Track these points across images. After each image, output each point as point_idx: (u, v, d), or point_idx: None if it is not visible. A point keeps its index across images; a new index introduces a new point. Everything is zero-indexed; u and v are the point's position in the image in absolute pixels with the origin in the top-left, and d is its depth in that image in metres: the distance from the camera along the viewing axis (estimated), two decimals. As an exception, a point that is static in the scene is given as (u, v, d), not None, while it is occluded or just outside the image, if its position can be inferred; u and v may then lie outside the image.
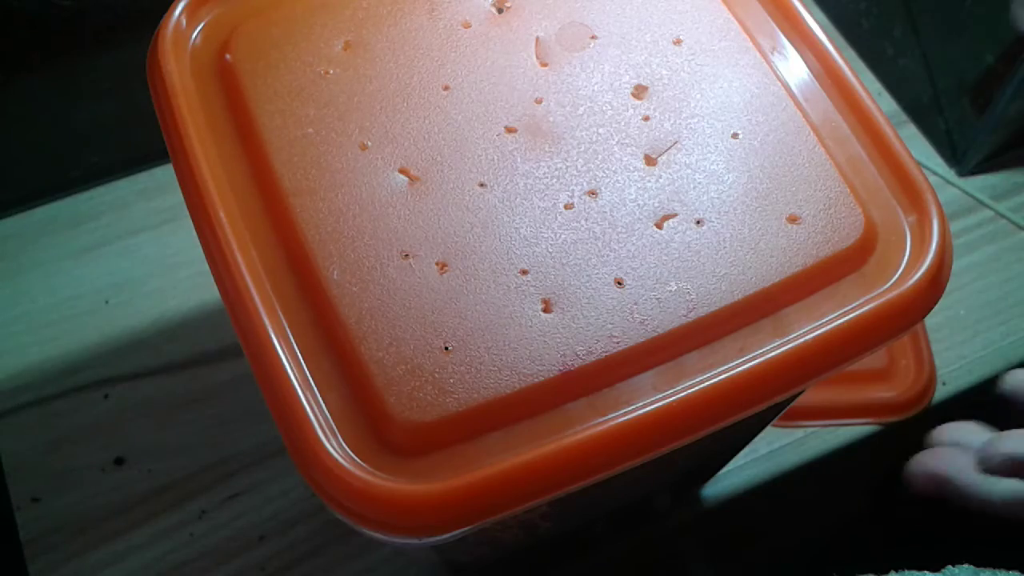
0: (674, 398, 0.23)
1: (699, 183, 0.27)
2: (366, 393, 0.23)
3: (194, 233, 0.26)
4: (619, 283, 0.25)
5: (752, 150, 0.27)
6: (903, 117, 0.55)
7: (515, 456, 0.22)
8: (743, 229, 0.26)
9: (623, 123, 0.28)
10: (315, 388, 0.24)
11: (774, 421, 0.44)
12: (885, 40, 0.54)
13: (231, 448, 0.44)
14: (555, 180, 0.27)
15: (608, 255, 0.25)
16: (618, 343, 0.24)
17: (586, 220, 0.26)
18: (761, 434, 0.44)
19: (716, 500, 0.43)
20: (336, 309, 0.24)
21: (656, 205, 0.26)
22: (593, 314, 0.24)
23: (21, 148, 0.49)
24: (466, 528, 0.22)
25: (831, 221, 0.26)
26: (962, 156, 0.52)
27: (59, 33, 0.44)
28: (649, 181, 0.27)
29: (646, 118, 0.28)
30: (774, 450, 0.44)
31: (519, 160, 0.27)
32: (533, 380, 0.24)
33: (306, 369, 0.24)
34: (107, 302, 0.48)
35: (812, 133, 0.27)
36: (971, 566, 0.30)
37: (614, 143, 0.27)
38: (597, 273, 0.25)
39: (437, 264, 0.25)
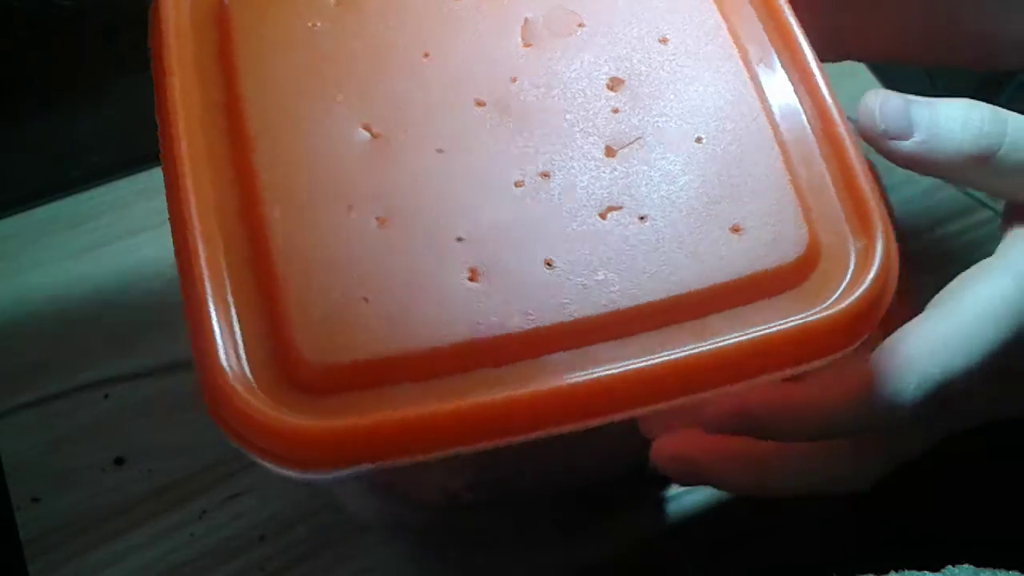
0: (576, 380, 0.24)
1: (652, 180, 0.27)
2: (281, 331, 0.24)
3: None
4: (549, 264, 0.25)
5: (712, 156, 0.27)
6: (903, 117, 0.55)
7: (410, 408, 0.23)
8: (684, 231, 0.26)
9: (592, 112, 0.28)
10: (235, 318, 0.25)
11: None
12: (885, 40, 0.54)
13: (231, 448, 0.44)
14: (511, 157, 0.27)
15: (545, 236, 0.26)
16: (533, 320, 0.24)
17: (532, 199, 0.26)
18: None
19: (715, 500, 0.43)
20: (270, 246, 0.25)
21: (604, 195, 0.27)
22: (516, 289, 0.25)
23: (21, 148, 0.49)
24: (347, 469, 0.23)
25: (774, 236, 0.26)
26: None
27: (59, 33, 0.44)
28: (604, 171, 0.27)
29: (615, 110, 0.28)
30: (774, 450, 0.44)
31: (481, 133, 0.27)
32: (443, 341, 0.24)
33: (231, 300, 0.25)
34: (107, 302, 0.48)
35: (776, 148, 0.28)
36: (971, 566, 0.29)
37: (578, 130, 0.28)
38: (530, 251, 0.26)
39: (377, 219, 0.26)
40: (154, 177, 0.28)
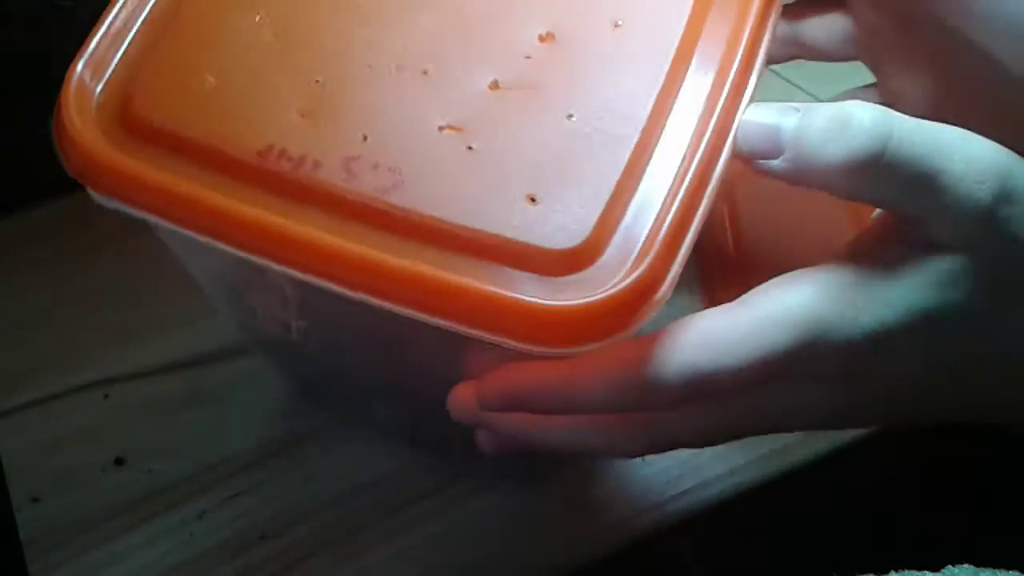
0: (324, 240, 0.26)
1: (502, 125, 0.28)
2: (137, 77, 0.29)
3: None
4: (365, 138, 0.28)
5: (570, 132, 0.28)
6: (903, 117, 0.55)
7: (186, 185, 0.27)
8: (493, 178, 0.27)
9: (507, 47, 0.29)
10: (118, 56, 0.29)
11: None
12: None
13: (231, 448, 0.44)
14: (399, 52, 0.29)
15: (383, 115, 0.28)
16: (318, 169, 0.27)
17: (405, 85, 0.29)
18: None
19: (715, 500, 0.43)
20: (180, 13, 0.29)
21: (458, 115, 0.28)
22: (333, 143, 0.27)
23: (21, 148, 0.49)
24: (127, 207, 0.27)
25: (561, 223, 0.26)
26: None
27: (59, 33, 0.44)
28: (475, 99, 0.28)
29: (528, 57, 0.29)
30: (774, 450, 0.44)
31: (397, 23, 0.30)
32: (245, 150, 0.27)
33: (127, 38, 0.29)
34: (107, 302, 0.48)
35: (632, 147, 0.27)
36: (971, 566, 0.29)
37: (482, 53, 0.29)
38: (362, 122, 0.28)
39: (275, 35, 0.29)
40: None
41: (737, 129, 0.28)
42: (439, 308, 0.25)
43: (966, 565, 0.30)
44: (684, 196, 0.26)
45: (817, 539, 0.53)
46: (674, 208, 0.26)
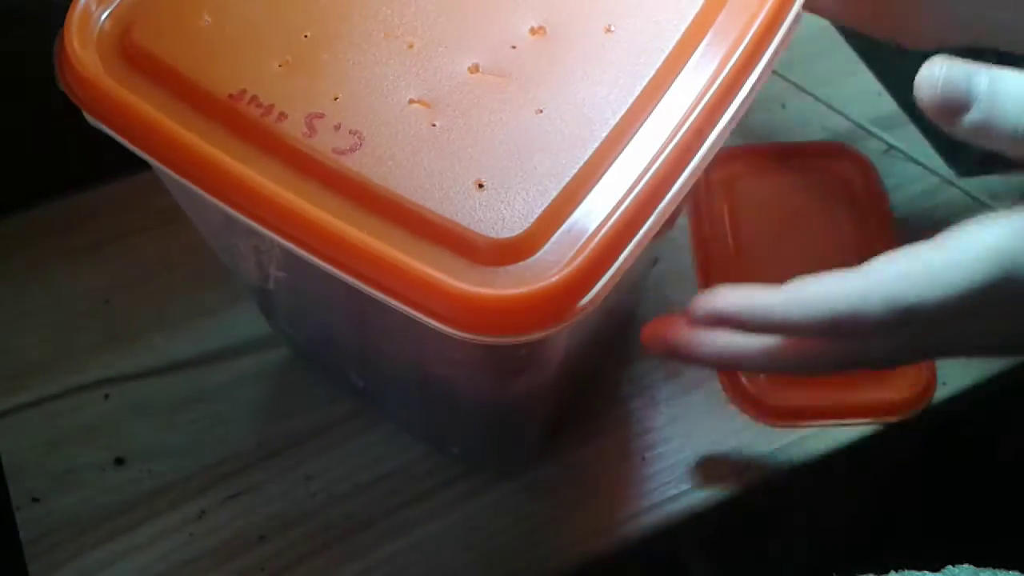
0: (285, 197, 0.26)
1: (470, 108, 0.28)
2: (134, 12, 0.30)
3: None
4: (336, 99, 0.28)
5: (540, 121, 0.28)
6: (903, 117, 0.54)
7: (166, 117, 0.27)
8: (448, 157, 0.27)
9: (498, 36, 0.29)
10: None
11: (776, 421, 0.44)
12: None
13: (231, 448, 0.44)
14: (395, 24, 0.30)
15: (359, 79, 0.29)
16: (282, 121, 0.28)
17: (392, 54, 0.29)
18: (762, 434, 0.44)
19: (715, 500, 0.43)
20: None
21: (431, 90, 0.28)
22: (303, 100, 0.28)
23: (21, 148, 0.49)
24: (104, 126, 0.28)
25: (503, 213, 0.26)
26: (962, 156, 0.52)
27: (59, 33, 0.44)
28: (457, 79, 0.29)
29: (514, 47, 0.29)
30: (774, 450, 0.44)
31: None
32: (213, 86, 0.28)
33: None
34: (107, 302, 0.48)
35: (599, 142, 0.27)
36: (971, 566, 0.30)
37: (471, 41, 0.29)
38: (334, 84, 0.28)
39: None
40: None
41: (922, 80, 0.29)
42: (367, 276, 0.26)
43: (966, 565, 0.30)
44: (632, 207, 0.26)
45: (817, 539, 0.53)
46: (615, 218, 0.26)
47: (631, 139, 0.28)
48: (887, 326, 0.28)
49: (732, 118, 0.28)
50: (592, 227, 0.26)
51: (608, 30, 0.30)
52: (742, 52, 0.29)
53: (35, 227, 0.50)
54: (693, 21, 0.30)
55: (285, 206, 0.26)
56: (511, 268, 0.26)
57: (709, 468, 0.43)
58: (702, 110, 0.28)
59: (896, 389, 0.45)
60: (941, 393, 0.45)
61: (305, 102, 0.28)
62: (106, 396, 0.45)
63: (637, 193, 0.26)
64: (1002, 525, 0.49)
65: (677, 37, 0.29)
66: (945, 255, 0.28)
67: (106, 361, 0.46)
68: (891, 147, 0.52)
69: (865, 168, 0.50)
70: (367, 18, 0.30)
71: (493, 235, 0.26)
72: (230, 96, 0.28)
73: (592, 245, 0.26)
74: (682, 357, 0.34)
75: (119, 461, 0.44)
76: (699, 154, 0.28)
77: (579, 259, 0.25)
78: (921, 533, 0.54)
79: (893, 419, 0.44)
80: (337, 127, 0.28)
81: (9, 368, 0.46)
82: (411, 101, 0.28)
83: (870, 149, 0.51)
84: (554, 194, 0.27)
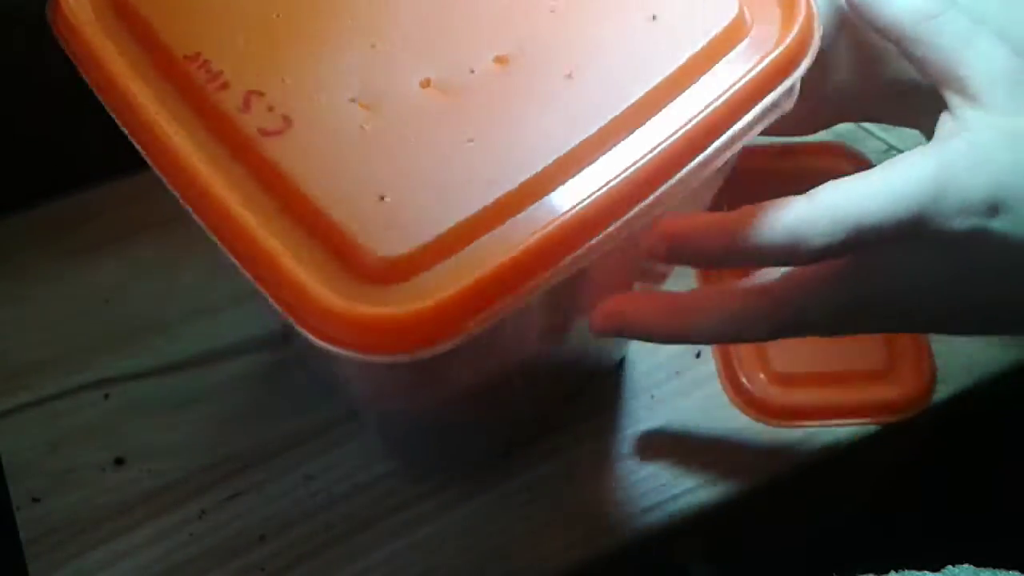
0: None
1: (406, 116, 0.28)
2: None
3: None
4: (283, 80, 0.28)
5: (471, 148, 0.27)
6: (903, 117, 0.55)
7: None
8: (354, 163, 0.27)
9: (463, 53, 0.29)
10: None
11: (776, 421, 0.44)
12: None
13: (231, 448, 0.44)
14: (359, 17, 0.30)
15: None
16: (224, 91, 0.27)
17: (347, 46, 0.29)
18: (762, 434, 0.44)
19: (714, 500, 0.43)
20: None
21: (362, 89, 0.28)
22: (238, 65, 0.28)
23: (21, 148, 0.49)
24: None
25: (402, 227, 0.26)
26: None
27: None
28: (398, 84, 0.28)
29: (472, 71, 0.29)
30: (774, 450, 0.44)
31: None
32: (172, 43, 0.28)
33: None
34: (107, 302, 0.48)
35: (528, 178, 0.27)
36: (971, 566, 0.30)
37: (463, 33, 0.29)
38: (284, 61, 0.28)
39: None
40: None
41: None
42: (244, 258, 0.25)
43: (966, 565, 0.30)
44: (533, 250, 0.25)
45: (817, 539, 0.53)
46: (508, 256, 0.25)
47: (560, 185, 0.27)
48: (832, 249, 0.29)
49: (676, 189, 0.27)
50: (479, 263, 0.25)
51: (569, 76, 0.29)
52: (700, 123, 0.28)
53: (35, 227, 0.50)
54: (658, 85, 0.28)
55: (189, 168, 0.26)
56: (391, 286, 0.25)
57: (709, 468, 0.43)
58: (639, 172, 0.27)
59: (896, 389, 0.45)
60: (941, 393, 0.45)
61: (252, 78, 0.28)
62: (106, 396, 0.45)
63: (540, 239, 0.25)
64: (1002, 525, 0.49)
65: (636, 97, 0.28)
66: (881, 178, 0.30)
67: (106, 361, 0.46)
68: (891, 147, 0.52)
69: (865, 168, 0.50)
70: (344, 10, 0.30)
71: (373, 248, 0.25)
72: (185, 57, 0.28)
73: (460, 285, 0.24)
74: (629, 327, 0.33)
75: (119, 461, 0.44)
76: (624, 218, 0.26)
77: (443, 294, 0.24)
78: (921, 533, 0.54)
79: (893, 419, 0.44)
80: (271, 108, 0.27)
81: (9, 368, 0.46)
82: (351, 100, 0.28)
83: (870, 149, 0.51)
84: (453, 222, 0.26)
